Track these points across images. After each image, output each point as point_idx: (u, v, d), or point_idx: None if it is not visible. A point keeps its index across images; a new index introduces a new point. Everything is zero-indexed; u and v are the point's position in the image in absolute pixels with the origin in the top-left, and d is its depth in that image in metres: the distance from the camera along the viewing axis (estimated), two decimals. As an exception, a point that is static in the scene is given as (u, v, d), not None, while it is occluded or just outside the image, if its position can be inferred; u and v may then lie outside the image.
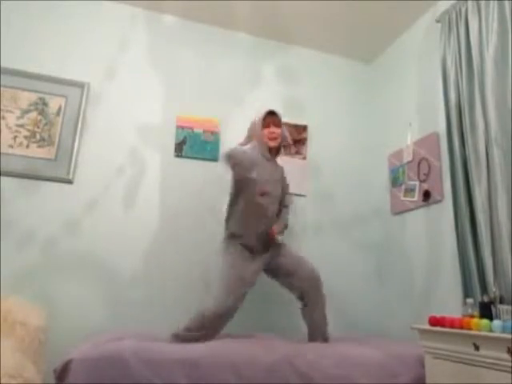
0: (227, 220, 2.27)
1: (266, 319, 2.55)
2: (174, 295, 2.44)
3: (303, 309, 2.22)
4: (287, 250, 2.29)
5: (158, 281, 2.46)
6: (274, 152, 2.36)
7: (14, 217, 2.29)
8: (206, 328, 1.94)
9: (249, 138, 2.33)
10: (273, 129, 2.28)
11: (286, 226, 2.36)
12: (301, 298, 2.22)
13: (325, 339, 2.16)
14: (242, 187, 2.18)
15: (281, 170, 2.41)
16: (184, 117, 2.77)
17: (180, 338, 1.92)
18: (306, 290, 2.19)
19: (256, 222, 2.19)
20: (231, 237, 2.21)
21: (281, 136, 2.34)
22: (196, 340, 1.89)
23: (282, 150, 2.50)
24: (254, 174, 2.11)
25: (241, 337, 2.12)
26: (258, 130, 2.29)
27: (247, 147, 2.20)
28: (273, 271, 2.26)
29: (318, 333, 2.17)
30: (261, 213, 2.19)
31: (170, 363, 1.61)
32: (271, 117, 2.31)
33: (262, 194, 2.17)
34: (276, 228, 2.23)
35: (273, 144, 2.30)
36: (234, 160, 2.05)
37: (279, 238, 2.23)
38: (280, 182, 2.36)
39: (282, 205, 2.37)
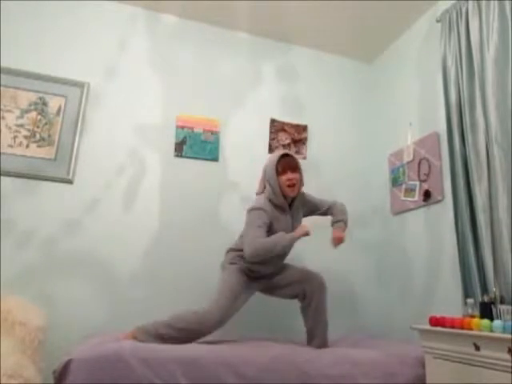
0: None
1: (266, 321, 2.55)
2: (174, 295, 2.44)
3: (304, 310, 2.16)
4: (288, 266, 2.24)
5: (157, 281, 2.46)
6: (291, 199, 2.17)
7: (14, 217, 2.29)
8: (186, 331, 1.86)
9: (263, 183, 2.17)
10: (290, 175, 2.07)
11: (344, 223, 2.21)
12: (302, 298, 2.15)
13: (323, 344, 2.09)
14: None
15: (299, 207, 2.22)
16: (184, 117, 2.77)
17: (158, 335, 1.84)
18: (310, 291, 2.12)
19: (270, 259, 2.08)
20: (241, 256, 2.10)
21: (299, 181, 2.13)
22: (171, 340, 1.82)
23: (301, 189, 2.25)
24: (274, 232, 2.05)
25: (239, 338, 2.12)
26: (273, 179, 2.08)
27: (262, 205, 2.06)
28: (272, 288, 2.20)
29: (317, 337, 2.09)
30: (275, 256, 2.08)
31: (170, 363, 1.61)
32: (286, 160, 2.09)
33: None
34: (337, 232, 2.11)
35: (292, 193, 2.10)
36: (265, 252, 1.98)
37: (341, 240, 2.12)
38: (302, 215, 2.25)
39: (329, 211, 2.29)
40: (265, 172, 2.16)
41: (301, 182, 2.19)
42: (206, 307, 1.92)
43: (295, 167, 2.11)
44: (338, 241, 2.12)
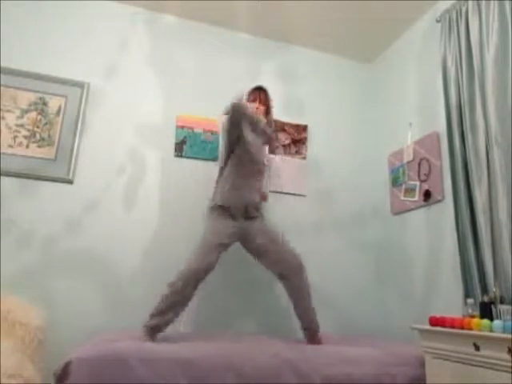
0: (215, 191, 2.24)
1: (263, 320, 2.55)
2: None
3: (287, 292, 2.17)
4: (271, 230, 2.22)
5: (157, 281, 2.44)
6: None
7: (14, 217, 2.29)
8: (179, 292, 1.96)
9: None
10: (257, 104, 2.25)
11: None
12: (280, 279, 2.17)
13: (315, 329, 2.14)
14: (235, 148, 2.17)
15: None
16: (184, 117, 2.77)
17: (158, 310, 1.93)
18: (287, 274, 2.14)
19: (245, 182, 2.16)
20: (215, 206, 2.18)
21: (263, 114, 2.28)
22: (174, 307, 1.93)
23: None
24: (248, 133, 2.15)
25: (239, 337, 2.12)
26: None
27: None
28: (252, 250, 2.21)
29: (308, 327, 2.13)
30: (252, 173, 2.17)
31: (170, 363, 1.61)
32: (258, 92, 2.28)
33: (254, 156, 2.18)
34: None
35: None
36: (242, 110, 2.08)
37: None
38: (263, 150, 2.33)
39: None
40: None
41: (270, 119, 2.35)
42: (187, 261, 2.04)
43: (264, 100, 2.29)
44: None
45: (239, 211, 2.15)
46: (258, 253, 2.20)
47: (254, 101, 2.26)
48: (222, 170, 2.25)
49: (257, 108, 2.26)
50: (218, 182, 2.26)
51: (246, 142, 2.16)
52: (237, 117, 2.09)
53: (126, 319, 2.31)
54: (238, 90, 2.91)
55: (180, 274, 2.00)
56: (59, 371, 1.55)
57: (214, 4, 2.81)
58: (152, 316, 1.94)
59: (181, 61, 2.88)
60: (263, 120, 2.26)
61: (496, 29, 2.06)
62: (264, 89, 2.31)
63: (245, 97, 2.25)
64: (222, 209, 2.15)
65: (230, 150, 2.18)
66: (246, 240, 2.20)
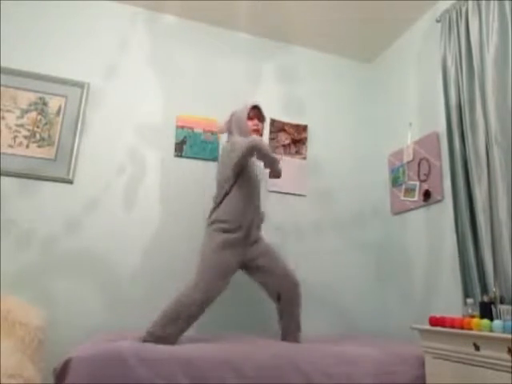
0: (219, 207, 2.14)
1: (263, 321, 2.55)
2: (174, 294, 2.43)
3: (279, 311, 2.16)
4: (269, 249, 2.20)
5: (158, 280, 2.46)
6: None
7: (14, 217, 2.29)
8: (181, 319, 1.87)
9: (229, 125, 2.33)
10: (256, 122, 2.30)
11: None
12: (277, 300, 2.14)
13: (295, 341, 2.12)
14: (242, 172, 2.16)
15: None
16: (184, 117, 2.77)
17: (154, 335, 1.82)
18: (283, 294, 2.12)
19: (251, 206, 2.15)
20: (222, 224, 2.08)
21: (262, 131, 2.36)
22: (171, 336, 1.84)
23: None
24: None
25: (239, 337, 2.12)
26: (243, 121, 2.27)
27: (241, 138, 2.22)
28: (251, 269, 2.18)
29: (290, 337, 2.11)
30: (256, 195, 2.20)
31: (170, 362, 1.60)
32: (256, 110, 2.33)
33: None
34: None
35: (256, 136, 2.29)
36: (264, 151, 2.11)
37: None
38: None
39: None
40: (233, 116, 2.34)
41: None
42: (192, 287, 1.96)
43: (263, 118, 2.36)
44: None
45: (248, 232, 2.11)
46: (258, 273, 2.16)
47: (252, 119, 2.30)
48: (224, 190, 2.15)
49: (257, 125, 2.31)
50: (222, 202, 2.14)
51: (252, 169, 2.24)
52: (257, 155, 2.14)
53: (126, 318, 2.31)
54: (237, 90, 2.94)
55: (182, 304, 1.90)
56: (59, 368, 1.55)
57: (214, 4, 2.81)
58: (150, 332, 1.85)
59: (181, 61, 2.88)
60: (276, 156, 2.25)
61: (496, 29, 2.06)
62: (260, 107, 2.36)
63: (245, 113, 2.28)
64: (230, 232, 2.07)
65: (237, 175, 2.15)
66: (247, 265, 2.16)
